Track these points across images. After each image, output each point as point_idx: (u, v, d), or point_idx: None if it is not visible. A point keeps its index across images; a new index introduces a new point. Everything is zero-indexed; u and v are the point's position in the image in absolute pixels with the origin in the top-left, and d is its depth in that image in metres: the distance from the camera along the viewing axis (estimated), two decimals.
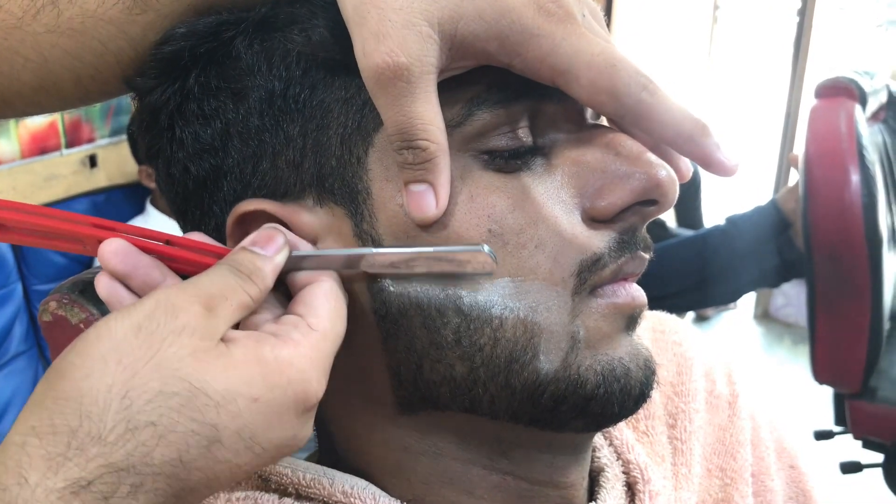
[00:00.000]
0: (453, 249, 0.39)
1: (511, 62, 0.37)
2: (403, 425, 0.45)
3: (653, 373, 0.44)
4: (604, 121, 0.45)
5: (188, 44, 0.42)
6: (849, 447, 1.89)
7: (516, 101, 0.41)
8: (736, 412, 0.62)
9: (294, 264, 0.40)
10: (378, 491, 0.45)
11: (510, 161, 0.41)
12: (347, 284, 0.42)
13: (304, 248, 0.41)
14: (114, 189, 2.38)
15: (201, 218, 0.45)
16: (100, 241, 0.38)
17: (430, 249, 0.40)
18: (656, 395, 0.59)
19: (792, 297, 3.47)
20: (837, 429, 1.91)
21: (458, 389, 0.42)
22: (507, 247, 0.40)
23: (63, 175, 2.26)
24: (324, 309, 0.39)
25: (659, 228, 3.13)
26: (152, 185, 2.30)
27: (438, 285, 0.41)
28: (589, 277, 0.42)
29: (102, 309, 0.49)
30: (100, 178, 2.37)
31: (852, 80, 1.62)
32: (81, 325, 0.49)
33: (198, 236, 0.41)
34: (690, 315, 3.53)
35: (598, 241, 0.42)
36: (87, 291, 0.50)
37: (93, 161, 2.33)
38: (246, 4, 0.42)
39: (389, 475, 0.46)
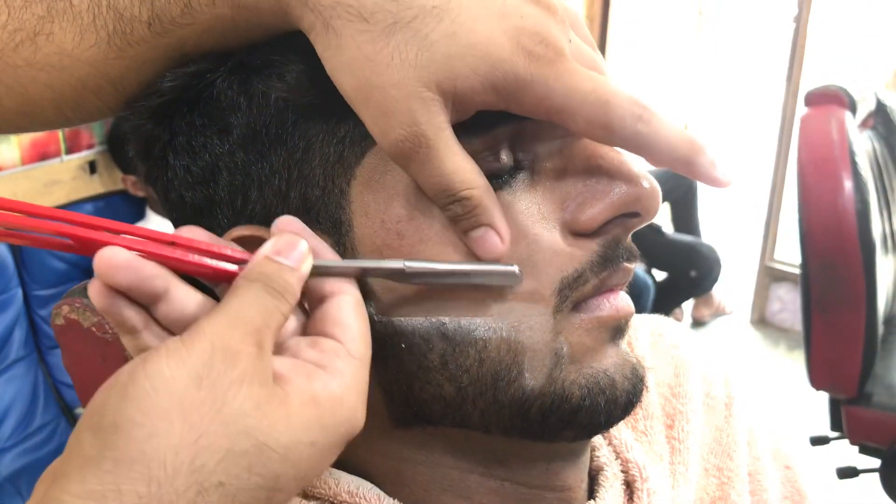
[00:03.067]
0: (486, 268, 0.40)
1: (509, 107, 0.38)
2: (399, 438, 0.46)
3: (640, 379, 0.45)
4: None
5: (174, 95, 0.43)
6: (845, 452, 1.91)
7: (497, 127, 0.41)
8: (732, 413, 0.63)
9: (315, 271, 0.39)
10: (382, 493, 0.46)
11: (493, 182, 0.41)
12: None
13: (327, 255, 0.40)
14: (114, 195, 2.38)
15: None
16: (97, 246, 0.34)
17: (467, 267, 0.40)
18: (654, 396, 0.60)
19: (788, 303, 3.49)
20: (833, 434, 1.92)
21: (449, 407, 0.43)
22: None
23: (63, 181, 2.27)
24: (358, 331, 0.38)
25: (655, 233, 3.16)
26: (140, 193, 2.32)
27: (422, 314, 0.41)
28: (570, 294, 0.42)
29: None
30: (99, 184, 2.38)
31: (842, 88, 1.64)
32: (93, 329, 0.50)
33: (198, 232, 0.39)
34: (688, 320, 3.54)
35: (580, 256, 0.42)
36: None
37: (93, 167, 2.34)
38: (221, 50, 0.42)
39: (390, 482, 0.47)
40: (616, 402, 0.43)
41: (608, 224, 0.43)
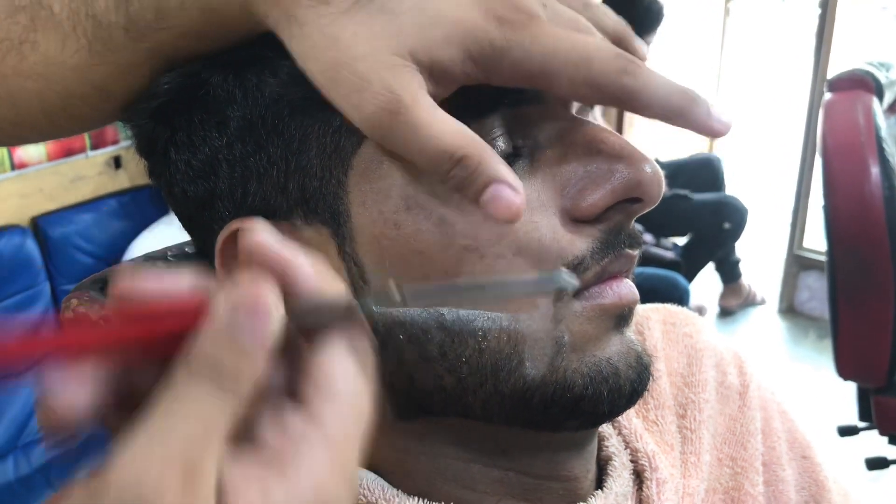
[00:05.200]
0: (514, 281, 0.39)
1: (489, 78, 0.37)
2: (402, 430, 0.46)
3: (646, 368, 0.44)
4: (595, 111, 0.45)
5: (172, 96, 0.43)
6: (875, 443, 1.88)
7: (489, 114, 0.40)
8: (746, 402, 0.62)
9: (296, 316, 0.29)
10: (385, 483, 0.46)
11: None
12: None
13: (309, 279, 0.30)
14: (139, 189, 2.41)
15: (206, 237, 0.46)
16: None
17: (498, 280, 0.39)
18: (666, 385, 0.60)
19: (817, 291, 3.44)
20: (863, 424, 1.90)
21: (450, 398, 0.43)
22: (485, 259, 0.40)
23: (89, 176, 2.30)
24: (342, 395, 0.30)
25: (682, 200, 3.11)
26: None
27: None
28: None
29: None
30: (125, 179, 2.41)
31: (868, 73, 1.61)
32: (101, 322, 0.51)
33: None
34: (715, 309, 3.51)
35: (581, 243, 0.41)
36: (106, 289, 0.52)
37: (118, 162, 2.36)
38: (201, 54, 0.42)
39: (393, 473, 0.47)
40: (620, 390, 0.42)
41: (610, 210, 0.42)
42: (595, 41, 0.36)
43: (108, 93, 0.43)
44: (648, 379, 0.44)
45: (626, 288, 0.44)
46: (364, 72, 0.35)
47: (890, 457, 1.86)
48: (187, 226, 0.49)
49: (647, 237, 2.90)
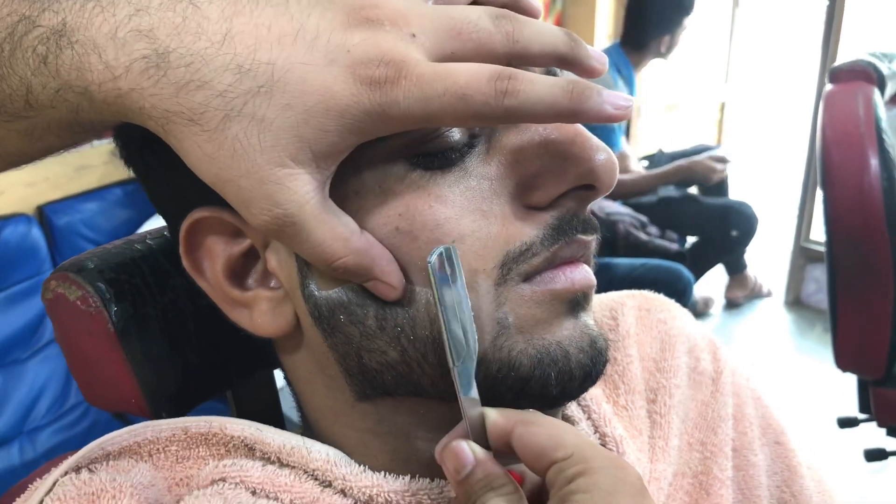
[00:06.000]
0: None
1: (383, 134, 0.37)
2: (363, 411, 0.47)
3: (600, 352, 0.45)
4: None
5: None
6: (874, 434, 1.88)
7: None
8: (719, 388, 0.63)
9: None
10: (351, 460, 0.47)
11: (440, 157, 0.42)
12: (290, 291, 0.45)
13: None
14: None
15: (175, 223, 0.48)
16: None
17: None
18: (637, 370, 0.60)
19: (823, 284, 3.42)
20: (863, 416, 1.90)
21: (399, 375, 0.44)
22: (418, 241, 0.41)
23: (94, 165, 2.31)
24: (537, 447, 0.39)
25: (690, 202, 3.11)
26: None
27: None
28: (515, 267, 0.42)
29: (97, 287, 0.52)
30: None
31: (870, 64, 1.60)
32: (78, 303, 0.52)
33: None
34: (721, 301, 3.51)
35: (529, 230, 0.42)
36: (83, 270, 0.53)
37: None
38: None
39: (358, 453, 0.48)
40: (570, 374, 0.43)
41: (563, 197, 0.43)
42: (466, 71, 0.36)
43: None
44: (604, 363, 0.45)
45: (581, 273, 0.44)
46: (248, 189, 0.37)
47: (889, 448, 1.86)
48: (161, 212, 0.50)
49: (652, 229, 2.90)
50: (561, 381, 0.43)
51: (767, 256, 3.73)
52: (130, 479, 0.46)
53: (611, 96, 0.37)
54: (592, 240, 0.45)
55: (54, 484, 0.46)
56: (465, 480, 0.40)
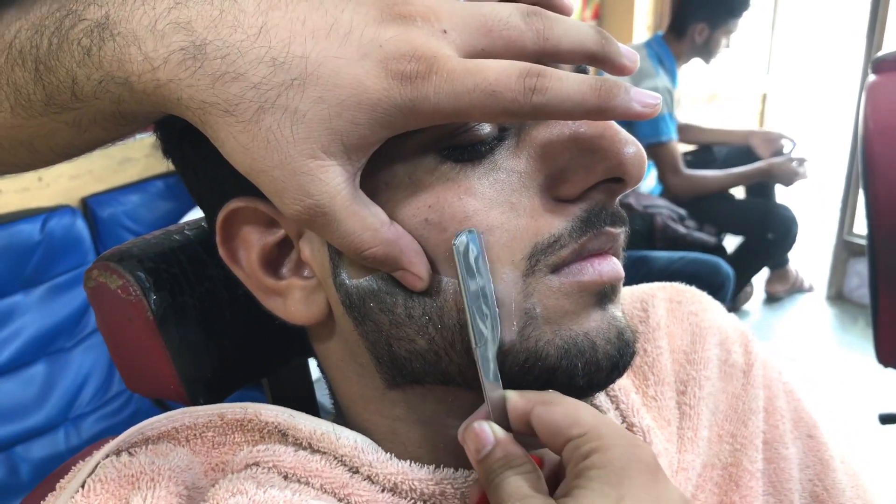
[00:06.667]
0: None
1: (411, 129, 0.38)
2: (393, 399, 0.48)
3: (627, 344, 0.45)
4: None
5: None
6: None
7: None
8: (750, 381, 0.62)
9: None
10: (379, 447, 0.48)
11: (470, 150, 0.42)
12: (323, 280, 0.46)
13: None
14: None
15: (213, 214, 0.49)
16: None
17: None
18: (667, 361, 0.60)
19: (867, 278, 3.36)
20: None
21: (427, 363, 0.45)
22: (447, 233, 0.42)
23: (137, 158, 2.35)
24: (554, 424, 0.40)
25: (726, 200, 3.07)
26: None
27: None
28: (542, 259, 0.42)
29: (137, 276, 0.53)
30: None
31: None
32: (119, 291, 0.53)
33: None
34: (761, 295, 3.46)
35: (559, 222, 0.43)
36: (124, 260, 0.54)
37: None
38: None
39: (387, 440, 0.49)
40: (598, 364, 0.43)
41: (592, 190, 0.43)
42: (496, 67, 0.36)
43: (34, 149, 0.43)
44: (631, 355, 0.45)
45: (609, 265, 0.44)
46: (281, 180, 0.38)
47: None
48: (199, 202, 0.52)
49: (690, 222, 2.87)
50: (588, 371, 0.43)
51: (810, 250, 3.67)
52: (168, 463, 0.47)
53: (639, 94, 0.37)
54: (621, 232, 0.45)
55: (96, 466, 0.47)
56: (485, 460, 0.41)
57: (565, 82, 0.36)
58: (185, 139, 0.48)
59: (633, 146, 0.42)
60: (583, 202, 0.44)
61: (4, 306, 1.99)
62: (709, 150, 3.26)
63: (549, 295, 0.43)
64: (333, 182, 0.38)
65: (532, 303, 0.43)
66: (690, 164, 2.97)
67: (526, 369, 0.43)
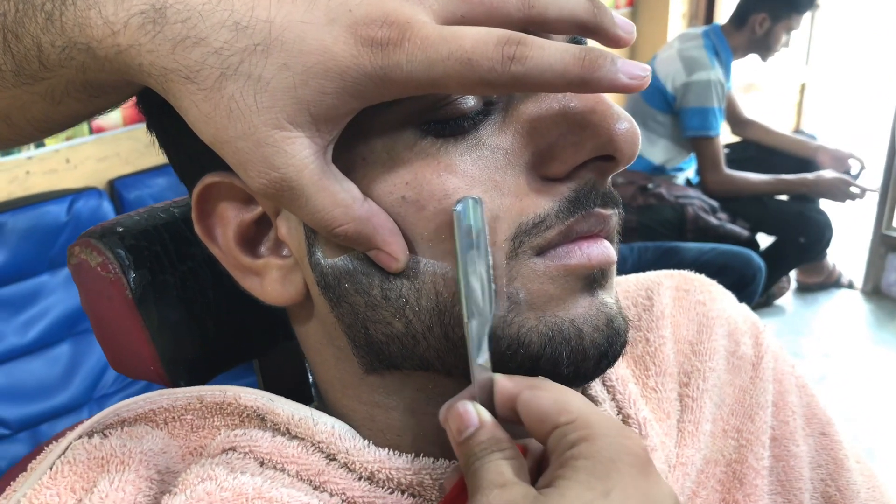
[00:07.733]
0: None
1: (383, 100, 0.36)
2: (371, 384, 0.46)
3: (617, 332, 0.43)
4: None
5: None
6: None
7: None
8: (759, 374, 0.59)
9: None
10: (356, 433, 0.46)
11: (452, 125, 0.40)
12: (300, 259, 0.44)
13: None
14: None
15: (192, 188, 0.47)
16: None
17: None
18: (670, 352, 0.58)
19: None
20: None
21: (405, 347, 0.42)
22: (425, 212, 0.40)
23: None
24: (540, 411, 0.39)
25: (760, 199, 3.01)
26: None
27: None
28: (527, 240, 0.40)
29: (116, 253, 0.52)
30: None
31: None
32: (98, 268, 0.52)
33: None
34: (794, 286, 3.39)
35: (544, 202, 0.40)
36: (105, 237, 0.53)
37: None
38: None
39: (365, 426, 0.47)
40: (584, 353, 0.41)
41: (581, 168, 0.41)
42: (473, 34, 0.34)
43: (12, 121, 0.42)
44: (622, 344, 0.43)
45: (599, 249, 0.42)
46: (245, 151, 0.36)
47: None
48: (181, 177, 0.50)
49: (723, 214, 2.81)
50: (574, 360, 0.41)
51: (847, 245, 3.59)
52: (141, 446, 0.46)
53: (626, 65, 0.35)
54: (612, 214, 0.43)
55: (67, 447, 0.46)
56: (467, 441, 0.39)
57: (547, 51, 0.34)
58: (164, 112, 0.46)
59: (625, 122, 0.40)
60: (571, 181, 0.41)
61: (31, 286, 2.01)
62: (748, 146, 3.19)
63: (533, 279, 0.41)
64: (300, 154, 0.36)
65: (515, 287, 0.40)
66: (727, 158, 2.90)
67: (508, 356, 0.41)
